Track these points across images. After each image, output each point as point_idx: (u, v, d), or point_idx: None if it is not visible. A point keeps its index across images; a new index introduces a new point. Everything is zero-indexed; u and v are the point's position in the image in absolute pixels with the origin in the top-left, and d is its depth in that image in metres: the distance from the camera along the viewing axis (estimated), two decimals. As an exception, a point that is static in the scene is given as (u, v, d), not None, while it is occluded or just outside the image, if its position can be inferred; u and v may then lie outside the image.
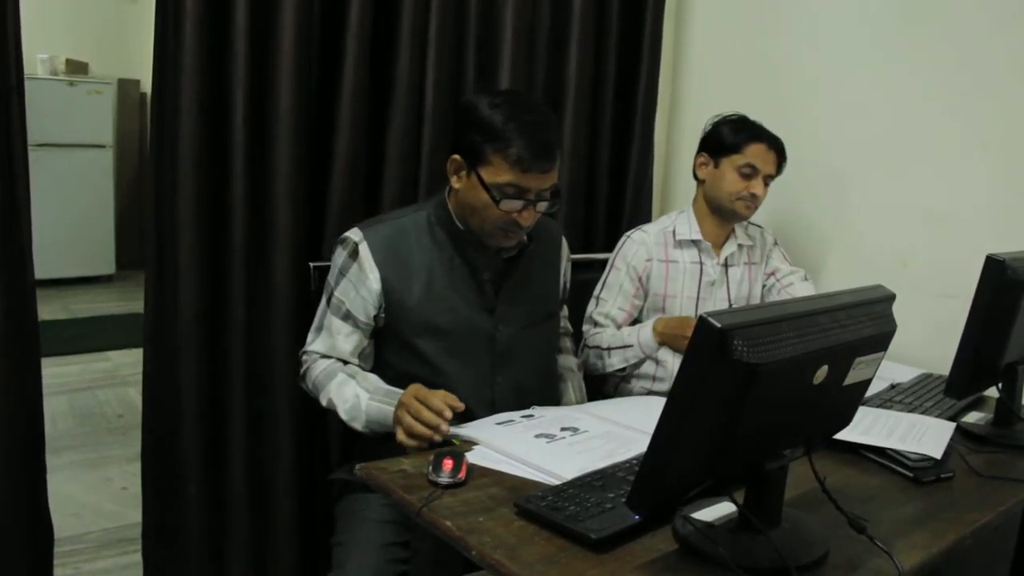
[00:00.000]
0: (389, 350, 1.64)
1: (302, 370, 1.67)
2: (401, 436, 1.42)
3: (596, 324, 2.04)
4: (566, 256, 1.84)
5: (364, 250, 1.58)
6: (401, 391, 1.49)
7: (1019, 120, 1.97)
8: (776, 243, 2.24)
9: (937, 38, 2.11)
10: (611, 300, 2.04)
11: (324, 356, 1.63)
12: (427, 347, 1.59)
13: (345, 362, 1.62)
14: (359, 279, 1.58)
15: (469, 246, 1.61)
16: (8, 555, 1.71)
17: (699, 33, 2.70)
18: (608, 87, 2.47)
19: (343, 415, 1.55)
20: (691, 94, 2.73)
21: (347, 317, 1.60)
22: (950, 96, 2.09)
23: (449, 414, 1.40)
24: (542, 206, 1.55)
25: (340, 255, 1.61)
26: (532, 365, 1.70)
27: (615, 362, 1.96)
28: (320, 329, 1.64)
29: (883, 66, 2.22)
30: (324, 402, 1.60)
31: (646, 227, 2.11)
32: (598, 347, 1.98)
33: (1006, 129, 1.99)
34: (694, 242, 2.08)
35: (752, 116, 2.09)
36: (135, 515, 2.02)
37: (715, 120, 2.10)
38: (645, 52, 2.49)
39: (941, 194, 2.11)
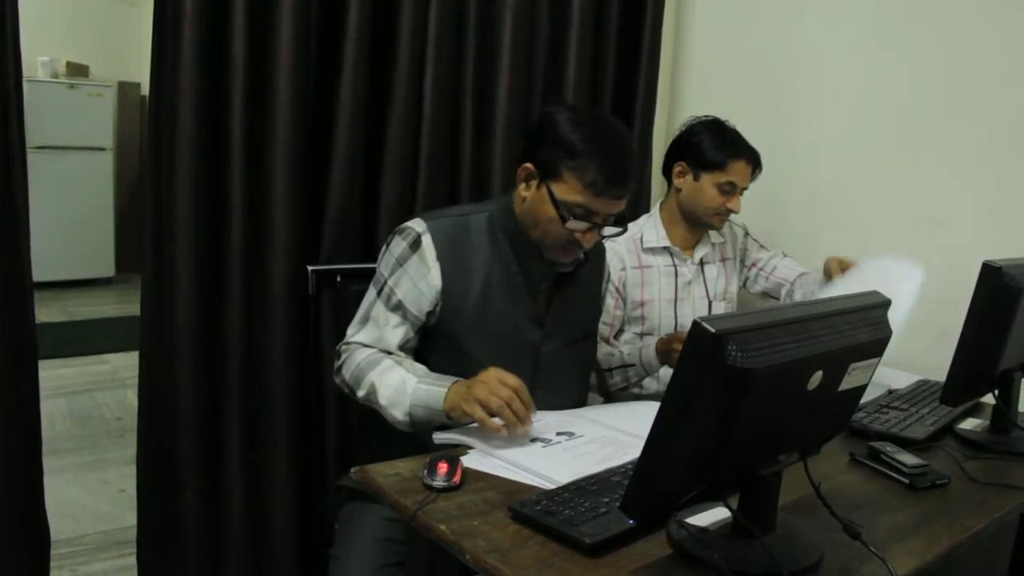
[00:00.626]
0: (432, 348, 1.60)
1: (339, 362, 1.59)
2: (480, 414, 1.35)
3: None
4: (607, 276, 1.85)
5: (427, 242, 1.54)
6: (452, 377, 1.46)
7: (1016, 125, 1.97)
8: (747, 233, 2.25)
9: (936, 42, 2.11)
10: None
11: (367, 347, 1.57)
12: (475, 350, 1.55)
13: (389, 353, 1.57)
14: (418, 272, 1.54)
15: (529, 255, 1.59)
16: (4, 558, 1.71)
17: (698, 34, 2.70)
18: (607, 88, 2.47)
19: (383, 401, 1.47)
20: (690, 95, 2.73)
21: (397, 308, 1.55)
22: (948, 101, 2.09)
23: (533, 415, 1.38)
24: (607, 230, 1.54)
25: (399, 245, 1.56)
26: (570, 382, 1.70)
27: (617, 381, 1.96)
28: (366, 320, 1.58)
29: (882, 70, 2.22)
30: (363, 392, 1.51)
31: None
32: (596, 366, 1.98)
33: (1003, 134, 1.99)
34: (664, 248, 2.09)
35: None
36: (133, 518, 2.02)
37: (691, 125, 2.09)
38: (644, 53, 2.49)
39: (938, 200, 2.12)
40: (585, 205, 1.48)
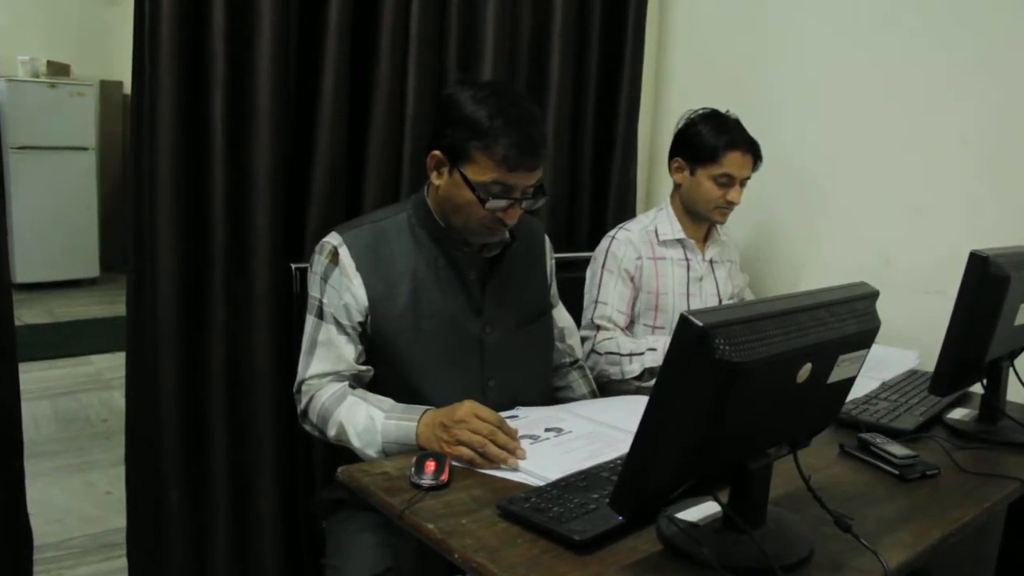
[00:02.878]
0: (375, 360, 1.56)
1: (302, 405, 1.53)
2: (469, 454, 1.30)
3: (599, 328, 2.01)
4: (550, 254, 1.80)
5: (344, 254, 1.52)
6: (420, 407, 1.42)
7: (999, 116, 1.97)
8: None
9: (918, 36, 2.11)
10: (610, 303, 2.02)
11: (332, 378, 1.52)
12: (415, 354, 1.52)
13: (353, 379, 1.53)
14: (341, 284, 1.51)
15: (452, 245, 1.56)
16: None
17: (682, 31, 2.70)
18: (591, 87, 2.46)
19: (355, 441, 1.43)
20: (674, 92, 2.72)
21: (339, 324, 1.52)
22: (931, 93, 2.09)
23: (518, 445, 1.34)
24: (528, 203, 1.51)
25: (319, 262, 1.53)
26: (526, 367, 1.65)
27: (634, 368, 1.94)
28: (314, 348, 1.53)
29: (865, 64, 2.22)
30: (333, 432, 1.46)
31: (628, 225, 2.11)
32: (614, 353, 1.96)
33: (986, 125, 1.99)
34: (678, 240, 2.08)
35: (734, 111, 2.08)
36: (119, 520, 2.00)
37: (689, 118, 2.07)
38: (628, 51, 2.48)
39: (924, 190, 2.12)
40: (501, 182, 1.44)
